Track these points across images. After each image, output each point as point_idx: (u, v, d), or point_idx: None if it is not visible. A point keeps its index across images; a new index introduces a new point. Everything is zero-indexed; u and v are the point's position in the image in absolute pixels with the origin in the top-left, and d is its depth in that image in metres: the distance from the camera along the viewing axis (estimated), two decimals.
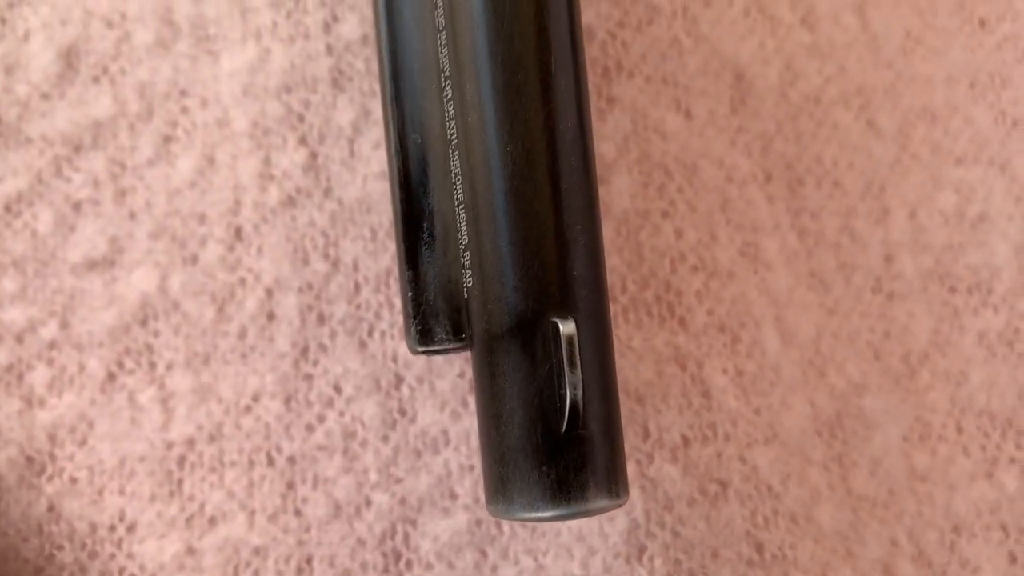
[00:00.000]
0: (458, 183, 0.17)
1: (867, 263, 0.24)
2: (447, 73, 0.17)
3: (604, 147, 0.23)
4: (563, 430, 0.16)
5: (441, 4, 0.17)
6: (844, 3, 0.25)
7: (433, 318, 0.18)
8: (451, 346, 0.18)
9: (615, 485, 0.17)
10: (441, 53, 0.17)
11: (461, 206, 0.17)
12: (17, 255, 0.22)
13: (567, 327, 0.16)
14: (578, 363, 0.16)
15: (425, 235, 0.18)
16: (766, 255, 0.23)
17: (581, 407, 0.16)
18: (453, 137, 0.17)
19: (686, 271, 0.23)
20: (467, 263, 0.17)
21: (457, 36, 0.17)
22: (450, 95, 0.17)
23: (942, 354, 0.23)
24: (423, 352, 0.18)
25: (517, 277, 0.16)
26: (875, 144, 0.24)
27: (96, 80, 0.23)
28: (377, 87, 0.23)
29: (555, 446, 0.16)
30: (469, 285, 0.17)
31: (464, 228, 0.17)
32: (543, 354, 0.16)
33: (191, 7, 0.23)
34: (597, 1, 0.23)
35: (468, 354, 0.21)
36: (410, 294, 0.18)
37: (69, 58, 0.23)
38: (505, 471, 0.17)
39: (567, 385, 0.16)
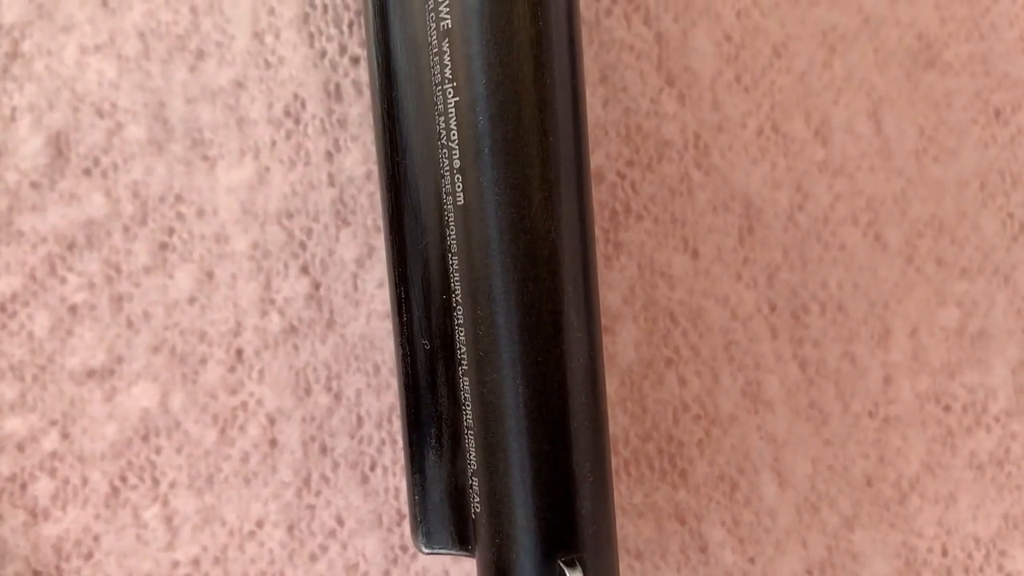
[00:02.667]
0: (468, 408, 0.17)
1: (865, 388, 0.24)
2: (457, 297, 0.17)
3: (610, 297, 0.22)
4: None
5: (454, 227, 0.16)
6: (859, 108, 0.24)
7: (439, 523, 0.18)
8: (458, 553, 0.18)
9: None
10: (452, 277, 0.17)
11: (470, 431, 0.17)
12: (15, 360, 0.22)
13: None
14: None
15: (432, 440, 0.18)
16: (767, 392, 0.23)
17: None
18: (463, 361, 0.17)
19: (688, 421, 0.23)
20: (475, 486, 0.17)
21: (471, 267, 0.16)
22: (460, 321, 0.17)
23: (933, 476, 0.24)
24: (429, 553, 0.18)
25: (525, 517, 0.16)
26: (881, 261, 0.24)
27: (88, 173, 0.22)
28: (382, 223, 0.22)
29: None
30: (477, 511, 0.17)
31: (472, 454, 0.17)
32: None
33: (185, 107, 0.22)
34: (607, 140, 0.22)
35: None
36: (416, 497, 0.18)
37: (59, 145, 0.22)
38: None
39: None
